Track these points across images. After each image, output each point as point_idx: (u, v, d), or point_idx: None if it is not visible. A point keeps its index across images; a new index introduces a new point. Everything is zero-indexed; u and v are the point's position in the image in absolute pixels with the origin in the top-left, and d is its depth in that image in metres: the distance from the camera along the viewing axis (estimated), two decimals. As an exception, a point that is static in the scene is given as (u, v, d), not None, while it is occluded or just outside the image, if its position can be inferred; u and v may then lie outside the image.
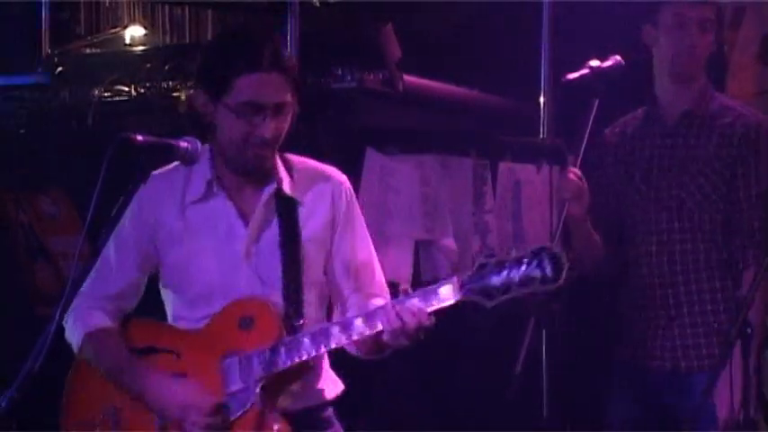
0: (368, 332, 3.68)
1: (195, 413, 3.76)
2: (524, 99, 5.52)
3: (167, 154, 3.71)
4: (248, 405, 3.74)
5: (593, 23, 5.20)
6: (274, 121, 3.71)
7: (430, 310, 3.61)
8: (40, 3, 5.88)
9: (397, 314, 3.62)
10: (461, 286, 3.56)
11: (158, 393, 3.80)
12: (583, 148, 4.62)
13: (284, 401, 3.85)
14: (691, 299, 4.67)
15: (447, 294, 3.59)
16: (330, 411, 3.98)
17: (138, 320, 3.97)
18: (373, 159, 4.94)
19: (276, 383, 3.79)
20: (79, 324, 3.88)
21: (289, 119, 3.78)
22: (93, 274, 3.76)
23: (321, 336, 3.69)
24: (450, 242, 5.35)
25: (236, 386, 3.74)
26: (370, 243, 3.96)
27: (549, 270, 3.48)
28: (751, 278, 4.53)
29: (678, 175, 4.68)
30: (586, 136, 4.59)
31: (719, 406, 4.51)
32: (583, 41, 4.97)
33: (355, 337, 3.71)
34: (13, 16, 5.92)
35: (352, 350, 3.89)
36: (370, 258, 3.95)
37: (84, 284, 3.74)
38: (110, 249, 3.82)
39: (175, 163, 3.83)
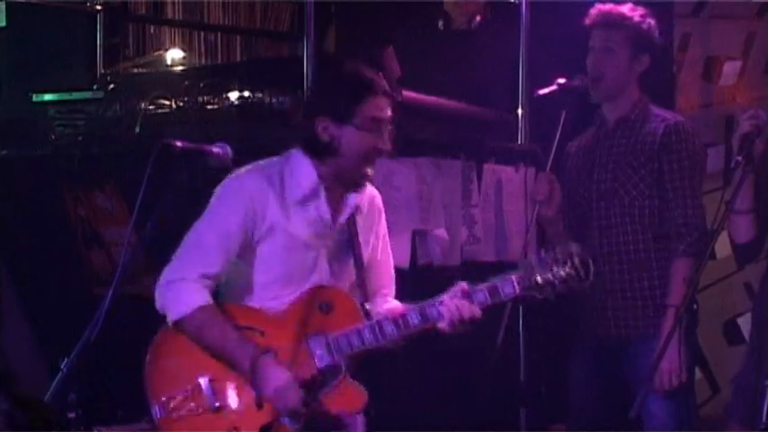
0: (439, 322, 3.67)
1: (292, 393, 3.64)
2: (505, 110, 5.50)
3: (202, 157, 3.72)
4: (339, 378, 3.69)
5: (566, 44, 5.10)
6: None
7: (493, 302, 3.65)
8: (96, 30, 5.89)
9: (462, 307, 3.63)
10: (519, 283, 3.64)
11: (263, 372, 3.66)
12: (553, 154, 4.61)
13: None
14: (622, 276, 4.63)
15: (511, 291, 3.67)
16: None
17: (216, 301, 3.86)
18: (379, 162, 4.85)
19: (356, 361, 3.76)
20: (185, 297, 3.75)
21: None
22: (186, 254, 3.72)
23: (402, 321, 3.68)
24: (442, 232, 5.31)
25: (324, 362, 3.69)
26: (390, 248, 3.98)
27: (582, 272, 3.60)
28: (689, 263, 4.48)
29: (614, 170, 4.65)
30: (556, 143, 4.60)
31: (665, 371, 4.51)
32: (557, 61, 4.96)
33: (429, 325, 3.70)
34: (72, 41, 5.94)
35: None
36: (391, 263, 3.96)
37: (178, 264, 3.72)
38: (208, 233, 3.75)
39: (263, 163, 3.81)
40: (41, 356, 5.50)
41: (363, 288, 3.80)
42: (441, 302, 3.67)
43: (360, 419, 3.87)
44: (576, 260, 3.64)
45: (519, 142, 5.49)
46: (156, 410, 3.73)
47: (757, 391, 3.39)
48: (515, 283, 3.65)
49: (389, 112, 3.80)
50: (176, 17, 6.50)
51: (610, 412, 4.69)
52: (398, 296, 4.02)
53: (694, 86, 5.86)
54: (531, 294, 3.68)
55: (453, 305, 3.64)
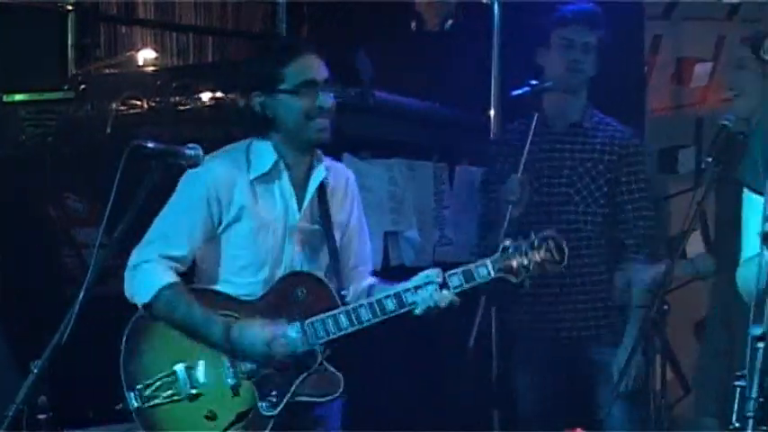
0: (415, 309, 3.64)
1: (280, 343, 3.66)
2: (477, 111, 5.46)
3: (174, 158, 3.67)
4: (314, 366, 3.68)
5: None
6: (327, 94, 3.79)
7: (468, 287, 3.65)
8: (67, 30, 5.84)
9: (437, 294, 3.61)
10: (494, 266, 3.65)
11: (242, 336, 3.65)
12: (525, 156, 4.59)
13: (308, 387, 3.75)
14: (573, 280, 4.68)
15: (485, 274, 3.66)
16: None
17: (190, 287, 3.84)
18: (350, 163, 4.87)
19: (335, 348, 3.73)
20: (150, 279, 3.75)
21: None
22: (148, 238, 3.73)
23: (378, 306, 3.66)
24: (413, 233, 5.32)
25: (300, 349, 3.68)
26: (367, 231, 3.98)
27: (556, 255, 3.63)
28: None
29: (569, 176, 4.69)
30: (528, 145, 4.58)
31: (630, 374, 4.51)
32: (530, 62, 4.97)
33: (405, 311, 3.67)
34: (43, 42, 5.88)
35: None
36: (367, 240, 3.95)
37: (140, 248, 3.72)
38: (170, 217, 3.76)
39: (229, 147, 3.83)
40: (12, 358, 5.50)
41: (338, 270, 3.77)
42: (416, 288, 3.63)
43: (336, 407, 3.84)
44: (552, 244, 3.66)
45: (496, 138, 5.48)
46: (131, 399, 3.71)
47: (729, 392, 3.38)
48: (490, 267, 3.63)
49: (323, 73, 3.76)
50: (148, 17, 6.48)
51: (564, 415, 4.69)
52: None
53: (665, 88, 5.87)
54: (506, 278, 3.65)
55: (428, 292, 3.61)
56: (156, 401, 3.71)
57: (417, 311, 3.66)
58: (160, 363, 3.74)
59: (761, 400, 2.46)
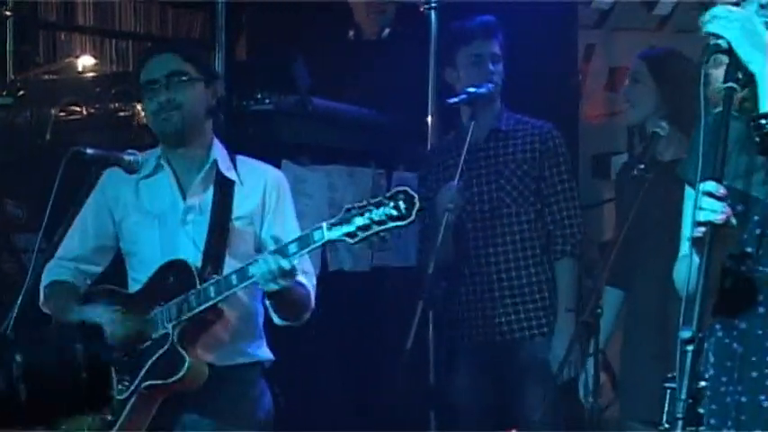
0: (258, 281, 3.67)
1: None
2: (415, 118, 5.51)
3: (112, 164, 3.79)
4: (165, 347, 3.73)
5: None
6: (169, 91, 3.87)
7: (308, 251, 3.61)
8: (5, 36, 5.82)
9: (275, 263, 3.59)
10: (330, 228, 3.55)
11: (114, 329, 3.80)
12: (462, 163, 4.66)
13: (208, 356, 3.84)
14: (511, 282, 4.75)
15: (320, 237, 3.58)
16: (258, 373, 3.95)
17: (95, 286, 3.99)
18: (289, 169, 4.91)
19: (195, 331, 3.79)
20: (43, 279, 3.90)
21: (192, 86, 3.86)
22: (61, 242, 3.86)
23: (223, 282, 3.69)
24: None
25: (158, 333, 3.76)
26: (297, 226, 3.94)
27: (403, 208, 3.45)
28: (575, 263, 4.73)
29: (497, 180, 4.78)
30: (464, 152, 4.66)
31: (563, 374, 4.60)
32: None
33: (250, 283, 3.68)
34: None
35: (275, 317, 3.87)
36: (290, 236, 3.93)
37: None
38: (74, 222, 3.84)
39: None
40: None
41: (235, 257, 3.82)
42: (255, 261, 3.67)
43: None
44: (401, 198, 3.51)
45: (428, 150, 5.52)
46: None
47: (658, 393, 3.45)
48: (325, 228, 3.59)
49: (170, 67, 3.86)
50: (87, 24, 6.44)
51: (499, 415, 4.80)
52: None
53: (598, 96, 5.93)
54: (342, 240, 3.58)
55: (265, 262, 3.63)
56: None
57: (261, 284, 3.67)
58: None
59: (690, 401, 2.50)
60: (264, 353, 4.00)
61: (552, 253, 4.84)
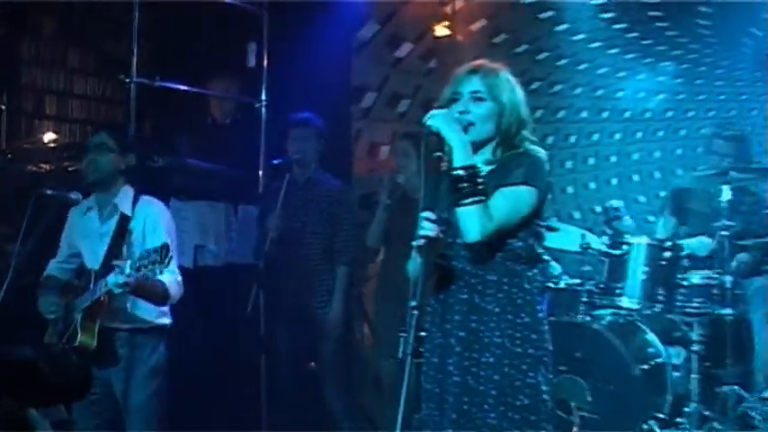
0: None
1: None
2: (252, 172, 6.10)
3: (63, 200, 4.42)
4: (76, 323, 4.12)
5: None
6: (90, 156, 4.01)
7: (134, 271, 3.93)
8: (2, 122, 6.31)
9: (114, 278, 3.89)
10: (131, 267, 3.85)
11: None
12: (281, 201, 5.33)
13: (113, 322, 4.22)
14: (311, 276, 5.41)
15: (118, 281, 3.99)
16: (154, 335, 4.32)
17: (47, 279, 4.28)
18: (174, 204, 5.58)
19: (95, 312, 4.14)
20: (44, 276, 4.32)
21: (108, 154, 4.26)
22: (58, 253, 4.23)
23: (102, 284, 4.08)
24: (212, 246, 6.09)
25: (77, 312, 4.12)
26: (168, 241, 4.09)
27: (155, 266, 3.90)
28: (347, 270, 5.33)
29: (306, 213, 5.45)
30: (282, 193, 5.32)
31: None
32: (285, 139, 5.37)
33: (108, 287, 4.14)
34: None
35: (148, 302, 4.21)
36: (158, 243, 3.96)
37: None
38: (62, 240, 4.47)
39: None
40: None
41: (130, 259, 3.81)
42: (112, 273, 3.94)
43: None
44: (147, 261, 3.86)
45: (260, 191, 5.90)
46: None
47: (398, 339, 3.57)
48: (128, 266, 3.89)
49: (101, 140, 4.30)
50: (52, 113, 6.80)
51: (307, 356, 5.44)
52: (185, 287, 4.35)
53: (364, 160, 6.77)
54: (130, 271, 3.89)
55: (113, 277, 4.04)
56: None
57: (113, 288, 4.07)
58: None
59: (415, 344, 2.88)
60: (154, 318, 4.34)
61: (336, 262, 5.42)
